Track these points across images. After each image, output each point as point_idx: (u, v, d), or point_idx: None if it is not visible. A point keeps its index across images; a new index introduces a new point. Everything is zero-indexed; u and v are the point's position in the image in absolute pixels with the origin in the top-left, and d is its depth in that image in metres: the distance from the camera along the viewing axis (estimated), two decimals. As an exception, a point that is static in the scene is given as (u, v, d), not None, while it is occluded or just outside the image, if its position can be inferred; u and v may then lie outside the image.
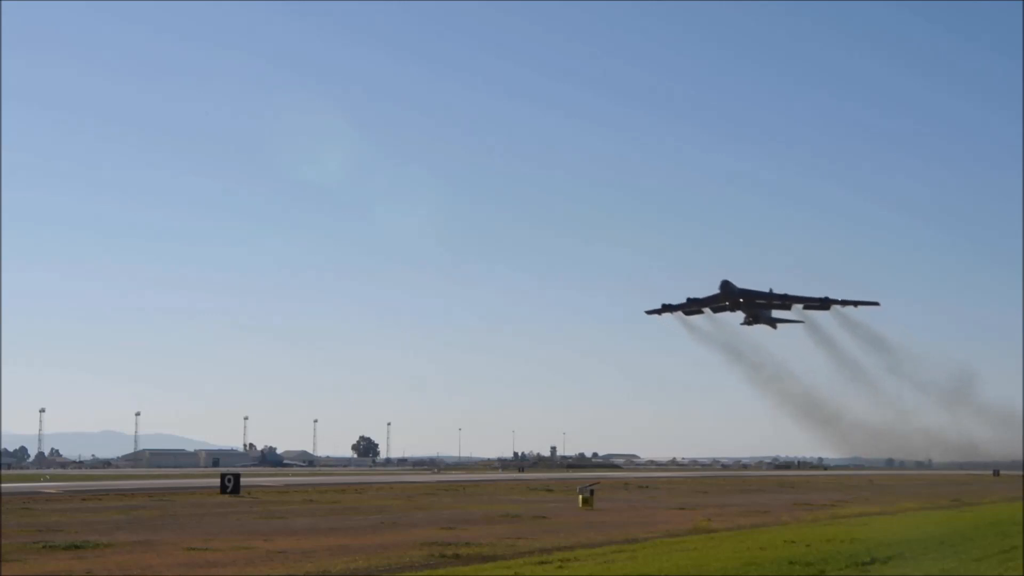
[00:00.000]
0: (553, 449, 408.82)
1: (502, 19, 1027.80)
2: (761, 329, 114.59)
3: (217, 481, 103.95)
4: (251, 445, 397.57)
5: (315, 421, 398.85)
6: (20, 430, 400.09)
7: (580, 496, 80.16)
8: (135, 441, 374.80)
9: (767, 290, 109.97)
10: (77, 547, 44.78)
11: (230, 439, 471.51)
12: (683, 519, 65.34)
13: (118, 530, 54.17)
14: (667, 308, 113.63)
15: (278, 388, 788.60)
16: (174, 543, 46.83)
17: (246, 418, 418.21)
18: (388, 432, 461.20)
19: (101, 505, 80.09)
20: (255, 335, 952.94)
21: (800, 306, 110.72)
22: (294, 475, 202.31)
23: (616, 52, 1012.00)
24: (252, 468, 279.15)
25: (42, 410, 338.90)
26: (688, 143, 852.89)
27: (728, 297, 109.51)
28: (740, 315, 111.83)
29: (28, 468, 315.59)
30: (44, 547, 44.73)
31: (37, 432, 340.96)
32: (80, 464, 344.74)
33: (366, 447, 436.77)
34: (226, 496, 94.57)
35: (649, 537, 51.47)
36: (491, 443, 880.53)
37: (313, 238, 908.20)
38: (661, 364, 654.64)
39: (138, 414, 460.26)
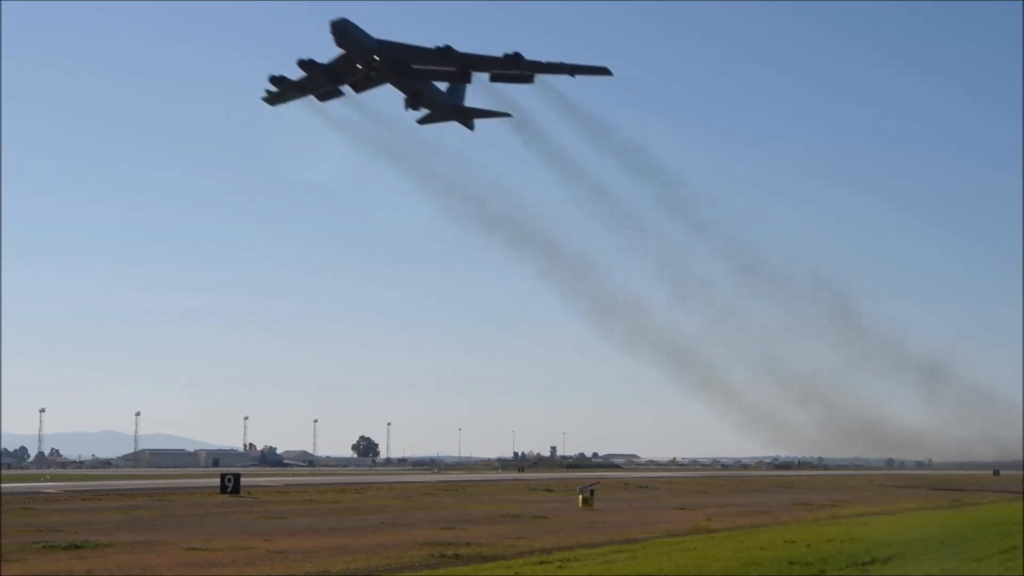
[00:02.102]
0: (553, 449, 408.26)
1: (502, 19, 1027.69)
2: (452, 132, 76.50)
3: (217, 481, 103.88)
4: (251, 445, 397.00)
5: (315, 421, 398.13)
6: (20, 430, 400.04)
7: (580, 496, 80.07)
8: (135, 441, 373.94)
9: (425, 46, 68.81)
10: (77, 547, 44.78)
11: (230, 439, 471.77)
12: (683, 519, 65.28)
13: (118, 530, 54.15)
14: (287, 89, 73.00)
15: (278, 388, 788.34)
16: (174, 543, 46.82)
17: (246, 418, 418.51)
18: (388, 432, 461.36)
19: (101, 505, 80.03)
20: (255, 335, 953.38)
21: (486, 77, 72.35)
22: (294, 475, 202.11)
23: (616, 52, 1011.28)
24: (252, 468, 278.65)
25: (42, 410, 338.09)
26: (688, 143, 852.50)
27: (356, 53, 68.88)
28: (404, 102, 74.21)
29: (28, 468, 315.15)
30: (44, 547, 44.72)
31: (37, 432, 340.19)
32: (80, 464, 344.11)
33: (366, 447, 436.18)
34: (226, 496, 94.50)
35: (649, 537, 51.45)
36: (491, 443, 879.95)
37: (313, 238, 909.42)
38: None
39: (138, 414, 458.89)
